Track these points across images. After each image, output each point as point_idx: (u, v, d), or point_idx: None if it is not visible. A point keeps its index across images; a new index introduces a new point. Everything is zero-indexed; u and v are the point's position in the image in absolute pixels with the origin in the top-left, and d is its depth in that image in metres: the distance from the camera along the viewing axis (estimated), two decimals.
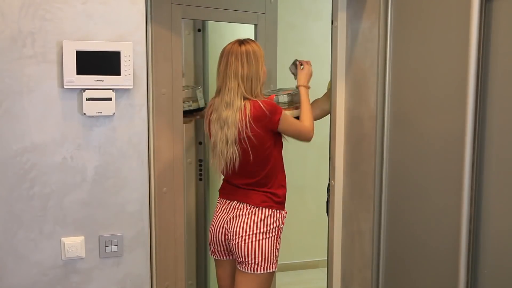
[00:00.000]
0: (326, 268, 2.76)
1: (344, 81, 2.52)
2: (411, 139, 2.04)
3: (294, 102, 2.54)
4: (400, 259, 2.15)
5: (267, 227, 2.29)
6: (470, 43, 1.63)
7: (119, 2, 1.95)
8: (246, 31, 3.02)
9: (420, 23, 1.98)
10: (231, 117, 2.22)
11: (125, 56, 1.93)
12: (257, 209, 2.29)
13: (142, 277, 2.09)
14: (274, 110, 2.25)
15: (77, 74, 1.88)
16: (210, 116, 2.33)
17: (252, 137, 2.22)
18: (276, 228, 2.32)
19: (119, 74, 1.93)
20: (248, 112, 2.21)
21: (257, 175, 2.31)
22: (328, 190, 2.70)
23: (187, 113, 2.69)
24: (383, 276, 2.27)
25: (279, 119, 2.25)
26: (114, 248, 2.03)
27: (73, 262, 2.01)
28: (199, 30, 3.15)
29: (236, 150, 2.23)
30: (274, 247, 2.31)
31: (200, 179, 3.20)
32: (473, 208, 1.69)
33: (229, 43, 2.32)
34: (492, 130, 1.62)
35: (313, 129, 2.42)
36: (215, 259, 2.46)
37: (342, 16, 2.48)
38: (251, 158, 2.25)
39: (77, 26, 1.91)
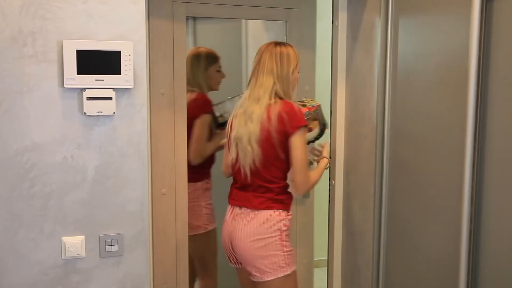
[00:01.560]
0: (326, 268, 2.76)
1: (344, 81, 2.52)
2: (411, 139, 2.04)
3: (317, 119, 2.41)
4: (400, 259, 2.15)
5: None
6: (471, 42, 1.63)
7: (120, 1, 1.95)
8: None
9: (420, 23, 1.98)
10: (257, 112, 2.19)
11: (126, 56, 1.92)
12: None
13: (142, 276, 2.09)
14: (300, 118, 2.19)
15: (78, 73, 1.88)
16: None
17: (274, 136, 2.18)
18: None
19: (120, 74, 1.93)
20: (277, 109, 2.17)
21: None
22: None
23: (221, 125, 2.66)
24: (383, 276, 2.27)
25: (299, 127, 2.17)
26: (115, 248, 2.03)
27: (74, 261, 2.00)
28: None
29: (256, 147, 2.20)
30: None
31: None
32: (473, 208, 1.69)
33: (265, 43, 2.31)
34: (493, 130, 1.62)
35: (305, 188, 2.26)
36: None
37: (342, 16, 2.49)
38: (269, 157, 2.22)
39: (78, 26, 1.91)
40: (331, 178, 2.63)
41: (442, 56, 1.84)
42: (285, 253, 2.22)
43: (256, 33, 2.95)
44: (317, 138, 2.41)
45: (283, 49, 2.26)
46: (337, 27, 2.50)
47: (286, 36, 2.65)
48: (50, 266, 1.98)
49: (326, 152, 2.45)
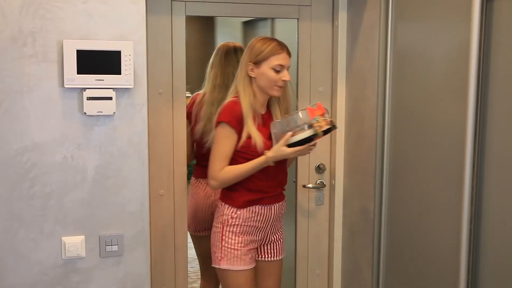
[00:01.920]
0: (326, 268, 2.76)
1: (344, 81, 2.52)
2: (411, 139, 2.04)
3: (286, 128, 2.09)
4: (400, 259, 2.15)
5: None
6: (471, 42, 1.63)
7: (120, 1, 1.95)
8: None
9: (421, 23, 1.98)
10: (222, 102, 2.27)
11: (126, 56, 1.92)
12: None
13: (142, 276, 2.09)
14: (221, 114, 2.15)
15: (78, 73, 1.88)
16: None
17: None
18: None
19: (120, 74, 1.93)
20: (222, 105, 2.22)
21: None
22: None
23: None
24: (383, 276, 2.27)
25: (218, 123, 2.14)
26: (114, 248, 2.03)
27: (74, 261, 2.00)
28: None
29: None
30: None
31: None
32: (473, 208, 1.69)
33: None
34: (493, 129, 1.62)
35: (212, 183, 2.18)
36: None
37: (342, 16, 2.48)
38: None
39: (78, 26, 1.91)
40: (331, 178, 2.63)
41: (442, 56, 1.84)
42: (222, 247, 2.19)
43: None
44: (303, 142, 2.06)
45: (254, 41, 2.20)
46: (337, 27, 2.50)
47: (297, 35, 2.53)
48: (50, 266, 1.98)
49: (271, 150, 2.11)
